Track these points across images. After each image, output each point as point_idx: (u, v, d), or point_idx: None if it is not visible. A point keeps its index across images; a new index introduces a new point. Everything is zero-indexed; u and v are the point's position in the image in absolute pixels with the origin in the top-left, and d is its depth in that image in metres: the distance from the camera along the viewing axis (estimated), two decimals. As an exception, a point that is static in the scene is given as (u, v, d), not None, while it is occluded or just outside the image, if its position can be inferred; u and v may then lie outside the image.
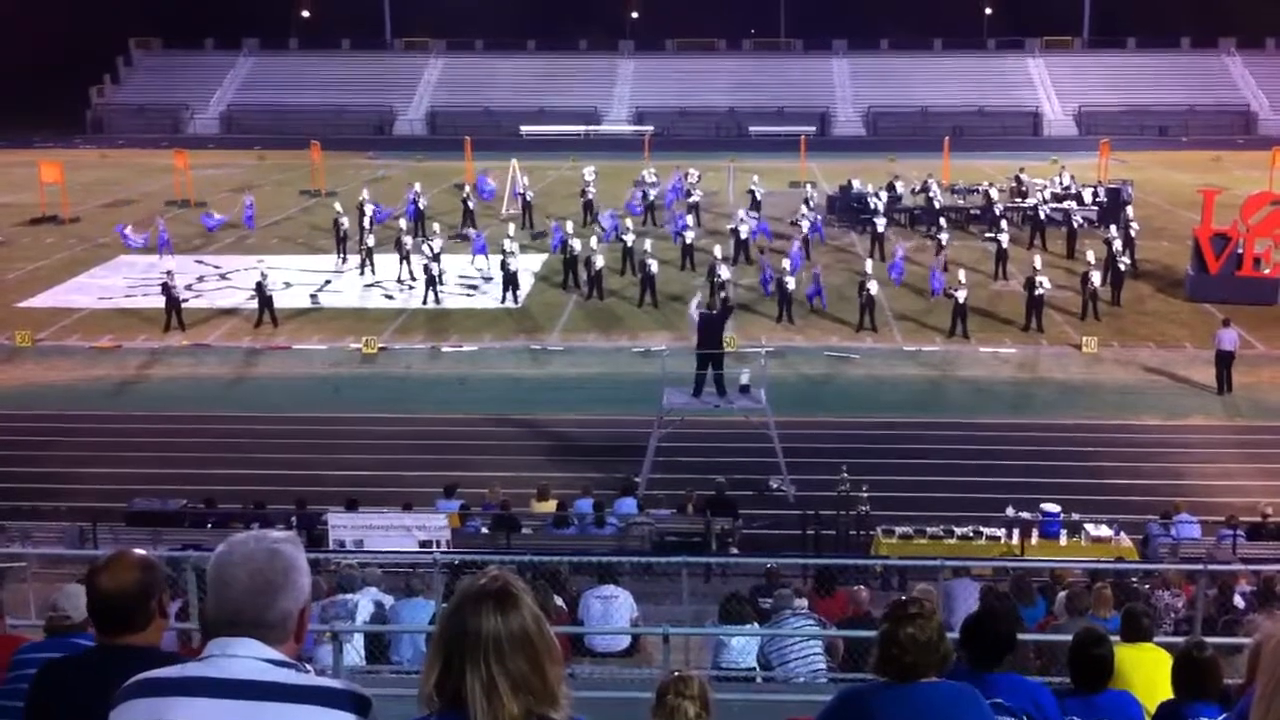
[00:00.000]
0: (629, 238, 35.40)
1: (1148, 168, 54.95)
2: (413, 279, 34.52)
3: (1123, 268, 32.34)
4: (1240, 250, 31.95)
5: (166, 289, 30.66)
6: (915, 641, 4.11)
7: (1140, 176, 49.02)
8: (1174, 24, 79.32)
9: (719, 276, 30.88)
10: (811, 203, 40.51)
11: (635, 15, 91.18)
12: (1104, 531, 17.48)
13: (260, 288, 31.00)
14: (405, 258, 35.04)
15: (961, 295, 29.37)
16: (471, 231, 39.00)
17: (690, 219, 38.17)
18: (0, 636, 6.63)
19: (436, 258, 33.31)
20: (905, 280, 33.56)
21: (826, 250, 38.06)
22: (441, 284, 33.38)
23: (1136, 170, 51.05)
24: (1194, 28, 79.94)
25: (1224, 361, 25.75)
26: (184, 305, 31.29)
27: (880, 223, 37.77)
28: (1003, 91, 78.86)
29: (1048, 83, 79.72)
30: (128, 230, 38.62)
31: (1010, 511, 17.69)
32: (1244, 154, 61.30)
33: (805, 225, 37.17)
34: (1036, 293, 29.76)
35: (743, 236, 36.57)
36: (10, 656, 4.86)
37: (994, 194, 41.58)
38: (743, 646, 10.87)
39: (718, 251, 32.31)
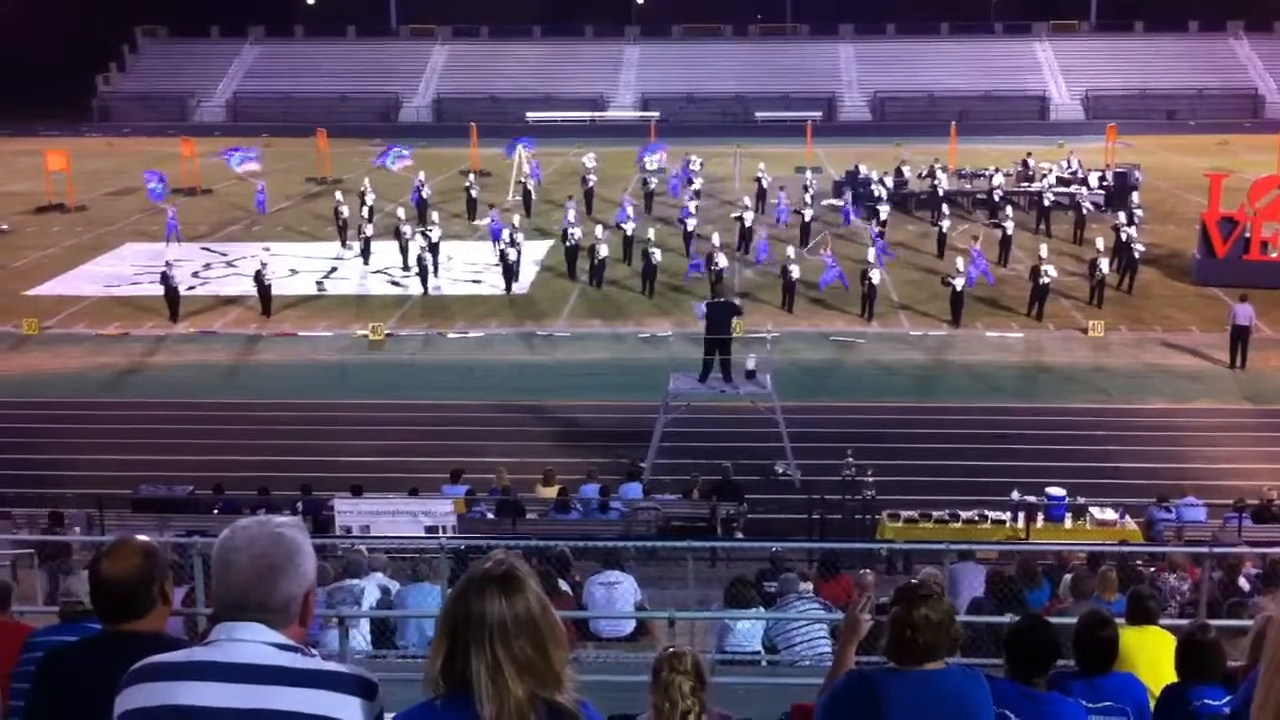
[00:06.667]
0: (629, 226, 35.25)
1: (1155, 151, 54.72)
2: (406, 268, 34.44)
3: (1136, 254, 32.06)
4: (1248, 234, 31.89)
5: (165, 278, 30.62)
6: (929, 622, 4.12)
7: (1147, 160, 48.82)
8: (1182, 7, 78.87)
9: (716, 264, 30.83)
10: (813, 188, 40.27)
11: (641, 1, 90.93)
12: (1109, 515, 17.50)
13: (259, 276, 30.96)
14: (404, 246, 34.98)
15: (959, 283, 29.25)
16: (488, 214, 38.76)
17: (693, 206, 38.07)
18: (9, 624, 6.65)
19: (433, 247, 33.22)
20: (907, 262, 33.46)
21: (831, 237, 37.88)
22: (435, 275, 33.27)
23: (1143, 154, 50.79)
24: (1202, 11, 79.45)
25: (1239, 336, 25.81)
26: (191, 292, 31.25)
27: (884, 209, 37.50)
28: (1010, 76, 78.50)
29: (1055, 67, 79.35)
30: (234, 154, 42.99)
31: (1015, 495, 17.69)
32: (1251, 137, 61.01)
33: (808, 215, 36.97)
34: (1042, 281, 29.56)
35: (747, 224, 36.42)
36: (23, 640, 4.89)
37: (1000, 179, 41.37)
38: (748, 630, 10.89)
39: (715, 239, 32.25)
